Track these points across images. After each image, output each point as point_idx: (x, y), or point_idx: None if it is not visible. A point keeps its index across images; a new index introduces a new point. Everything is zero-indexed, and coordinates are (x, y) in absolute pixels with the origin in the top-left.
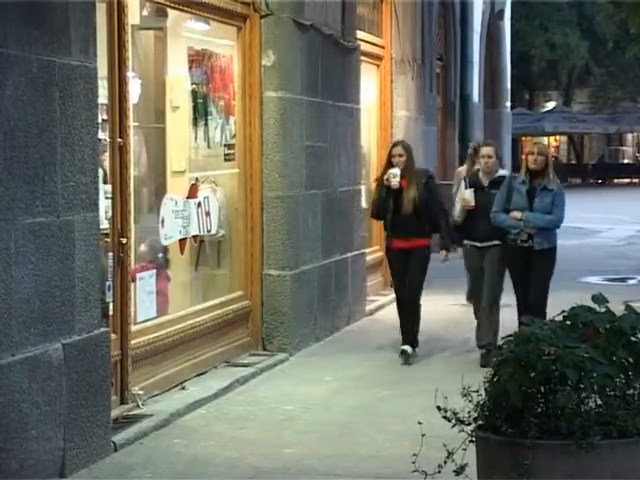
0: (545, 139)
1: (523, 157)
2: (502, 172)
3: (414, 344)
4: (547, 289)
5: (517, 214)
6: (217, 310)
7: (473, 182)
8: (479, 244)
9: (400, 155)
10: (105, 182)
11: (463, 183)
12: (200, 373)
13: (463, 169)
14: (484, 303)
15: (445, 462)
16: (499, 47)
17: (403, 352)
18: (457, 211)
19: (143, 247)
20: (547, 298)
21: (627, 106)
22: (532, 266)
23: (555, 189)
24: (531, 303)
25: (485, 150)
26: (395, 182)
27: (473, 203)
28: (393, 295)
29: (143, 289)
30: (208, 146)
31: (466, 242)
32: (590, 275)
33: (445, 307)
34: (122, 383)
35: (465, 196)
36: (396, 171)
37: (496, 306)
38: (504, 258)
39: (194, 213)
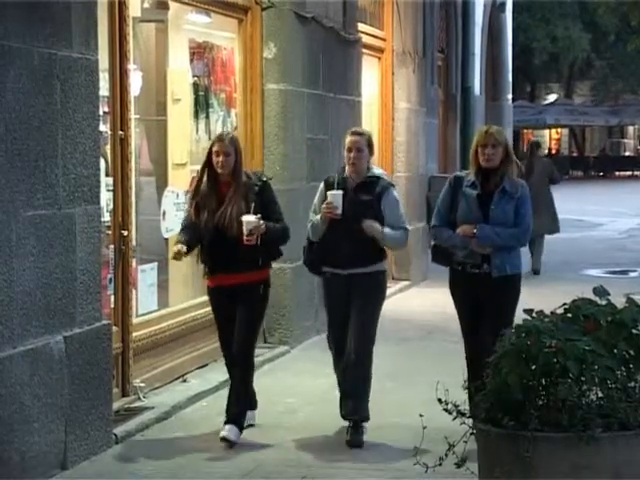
0: (546, 131)
1: (472, 151)
2: (376, 171)
3: (241, 422)
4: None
5: (468, 228)
6: None
7: (333, 183)
8: (343, 271)
9: (226, 154)
10: (106, 174)
11: (322, 185)
12: (201, 366)
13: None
14: (350, 356)
15: (446, 455)
16: (500, 40)
17: (223, 439)
18: (315, 221)
19: (144, 240)
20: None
21: (628, 99)
22: (489, 301)
23: (518, 192)
24: (487, 352)
25: (351, 141)
26: (252, 241)
27: (340, 210)
28: (395, 287)
29: (144, 282)
30: (209, 139)
31: (326, 269)
32: (591, 268)
33: (447, 299)
34: (123, 375)
35: (329, 198)
36: (251, 220)
37: (367, 360)
38: (382, 290)
39: None
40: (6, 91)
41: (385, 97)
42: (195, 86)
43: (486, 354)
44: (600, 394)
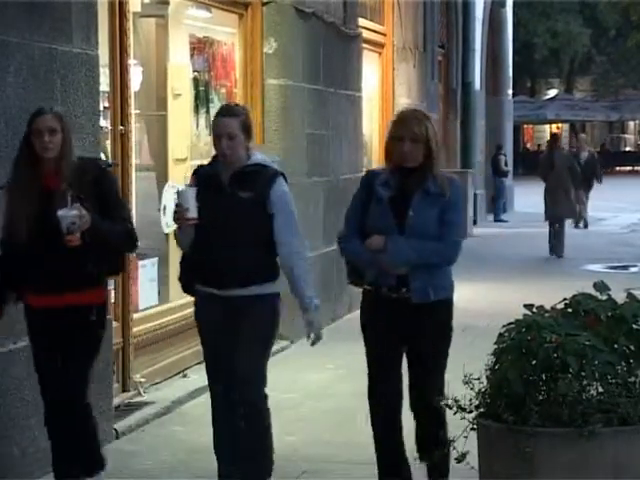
0: (547, 127)
1: (385, 143)
2: (259, 157)
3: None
4: (441, 378)
5: (378, 240)
6: None
7: (203, 176)
8: (218, 291)
9: (51, 131)
10: None
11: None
12: (201, 361)
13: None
14: (240, 408)
15: (446, 449)
16: (501, 35)
17: None
18: (177, 232)
19: (144, 235)
20: (443, 394)
21: (629, 94)
22: (410, 336)
23: (447, 193)
24: (416, 407)
25: (219, 125)
26: (74, 240)
27: (193, 213)
28: None
29: (145, 277)
30: (210, 134)
31: (199, 288)
32: (592, 263)
33: None
34: (124, 371)
35: (177, 197)
36: (69, 213)
37: (262, 411)
38: (274, 321)
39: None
40: (6, 86)
41: (385, 92)
42: (195, 81)
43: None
44: (600, 389)
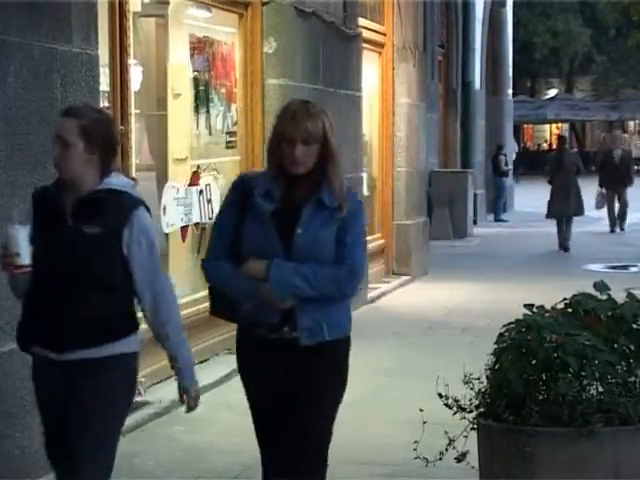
0: (547, 126)
1: (270, 143)
2: (114, 180)
3: None
4: (327, 440)
5: (257, 266)
6: None
7: (44, 201)
8: (57, 356)
9: None
10: None
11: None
12: (201, 360)
13: None
14: None
15: (446, 449)
16: (501, 34)
17: None
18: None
19: None
20: (327, 460)
21: (629, 93)
22: (295, 385)
23: (345, 209)
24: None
25: (57, 123)
26: None
27: (25, 258)
28: (395, 282)
29: None
30: (210, 133)
31: (34, 349)
32: (592, 262)
33: (448, 293)
34: None
35: (6, 241)
36: None
37: None
38: (129, 389)
39: (196, 201)
40: (6, 86)
41: (385, 92)
42: (195, 81)
43: None
44: (600, 389)
